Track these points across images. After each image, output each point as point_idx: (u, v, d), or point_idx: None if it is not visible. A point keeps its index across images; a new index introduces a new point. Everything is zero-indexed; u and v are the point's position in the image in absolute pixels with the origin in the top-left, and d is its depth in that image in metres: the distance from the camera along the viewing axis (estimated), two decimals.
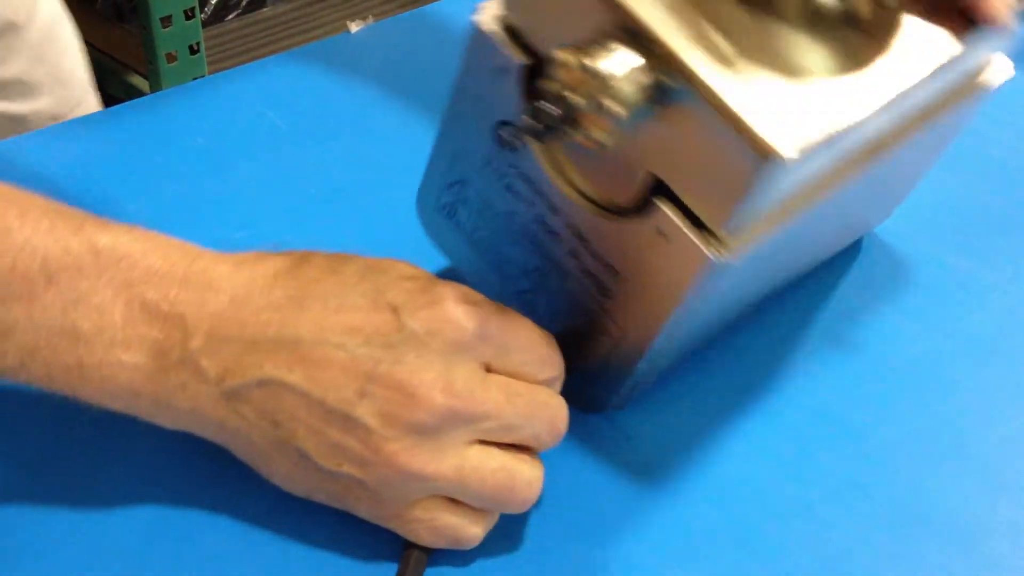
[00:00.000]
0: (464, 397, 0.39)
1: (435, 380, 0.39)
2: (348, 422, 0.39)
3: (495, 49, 0.41)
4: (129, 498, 0.44)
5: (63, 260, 0.40)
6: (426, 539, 0.41)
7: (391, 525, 0.41)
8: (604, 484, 0.45)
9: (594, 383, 0.46)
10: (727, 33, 0.38)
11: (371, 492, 0.40)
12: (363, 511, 0.41)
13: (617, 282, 0.42)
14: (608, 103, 0.36)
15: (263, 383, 0.40)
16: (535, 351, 0.41)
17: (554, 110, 0.36)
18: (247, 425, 0.41)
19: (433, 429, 0.39)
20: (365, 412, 0.39)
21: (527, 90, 0.41)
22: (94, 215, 0.42)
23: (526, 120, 0.37)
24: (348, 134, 0.62)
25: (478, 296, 0.41)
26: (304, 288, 0.41)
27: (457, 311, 0.40)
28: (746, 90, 0.37)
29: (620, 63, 0.36)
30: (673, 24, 0.37)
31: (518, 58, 0.41)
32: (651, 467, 0.46)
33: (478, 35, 0.41)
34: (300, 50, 0.69)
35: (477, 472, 0.40)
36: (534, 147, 0.42)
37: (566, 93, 0.37)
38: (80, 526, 0.43)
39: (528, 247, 0.45)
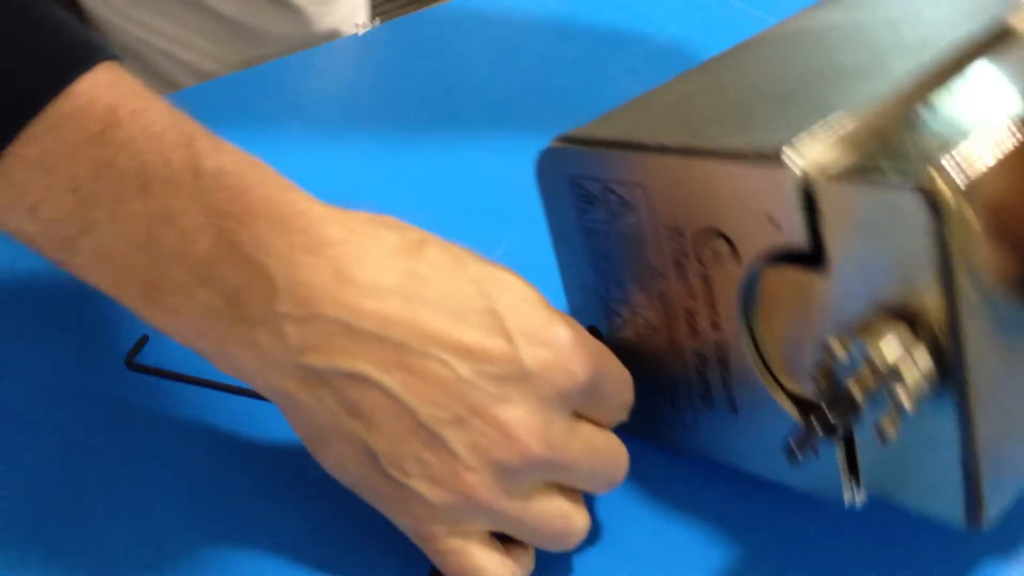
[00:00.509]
0: (557, 449, 0.38)
1: (534, 427, 0.38)
2: (434, 440, 0.37)
3: (783, 203, 0.35)
4: (151, 507, 0.43)
5: (162, 172, 0.36)
6: (450, 571, 0.40)
7: (423, 545, 0.40)
8: (641, 516, 0.44)
9: (645, 416, 0.43)
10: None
11: (425, 509, 0.38)
12: (403, 522, 0.39)
13: (729, 411, 0.41)
14: (888, 429, 0.33)
15: (354, 376, 0.37)
16: (620, 398, 0.41)
17: (836, 422, 0.33)
18: (317, 405, 0.38)
19: (517, 472, 0.38)
20: (456, 437, 0.37)
21: (775, 259, 0.36)
22: (211, 133, 0.38)
23: (805, 429, 0.33)
24: (355, 135, 0.62)
25: (588, 338, 0.40)
26: (415, 286, 0.37)
27: (574, 359, 0.38)
28: (993, 431, 0.35)
29: (923, 382, 0.33)
30: (975, 333, 0.34)
31: (799, 238, 0.35)
32: (687, 497, 0.44)
33: (775, 169, 0.34)
34: (308, 52, 0.69)
35: (539, 517, 0.39)
36: (728, 279, 0.37)
37: (852, 388, 0.33)
38: (95, 534, 0.42)
39: (654, 306, 0.41)
